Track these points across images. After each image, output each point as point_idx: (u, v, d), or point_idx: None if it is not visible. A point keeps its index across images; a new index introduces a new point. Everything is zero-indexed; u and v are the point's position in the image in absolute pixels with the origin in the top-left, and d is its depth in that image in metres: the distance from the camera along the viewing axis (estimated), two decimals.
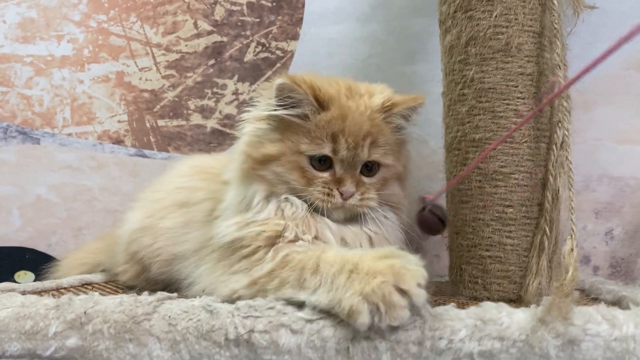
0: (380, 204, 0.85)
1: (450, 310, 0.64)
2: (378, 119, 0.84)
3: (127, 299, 0.73)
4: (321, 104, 0.82)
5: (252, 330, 0.66)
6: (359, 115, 0.82)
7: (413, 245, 0.90)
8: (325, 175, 0.82)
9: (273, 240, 0.79)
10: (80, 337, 0.70)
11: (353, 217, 0.84)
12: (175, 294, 0.76)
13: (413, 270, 0.62)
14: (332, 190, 0.81)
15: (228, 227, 0.83)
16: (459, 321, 0.62)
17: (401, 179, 0.89)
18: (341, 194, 0.81)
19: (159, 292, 0.75)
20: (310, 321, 0.65)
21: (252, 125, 0.86)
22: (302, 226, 0.81)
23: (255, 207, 0.83)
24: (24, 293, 0.92)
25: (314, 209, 0.82)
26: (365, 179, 0.84)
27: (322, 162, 0.83)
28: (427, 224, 0.85)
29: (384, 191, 0.84)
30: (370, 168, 0.85)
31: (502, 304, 0.64)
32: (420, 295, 0.60)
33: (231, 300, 0.76)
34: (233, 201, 0.86)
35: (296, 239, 0.79)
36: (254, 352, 0.65)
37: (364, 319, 0.60)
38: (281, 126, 0.83)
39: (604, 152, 1.20)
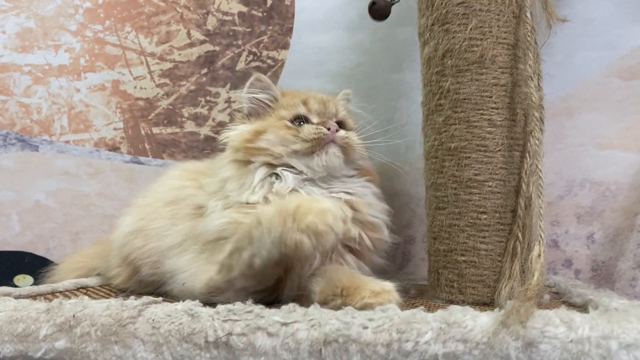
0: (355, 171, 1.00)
1: (417, 314, 0.67)
2: (330, 96, 1.07)
3: (115, 302, 0.77)
4: (282, 92, 1.05)
5: (230, 333, 0.69)
6: (317, 92, 1.06)
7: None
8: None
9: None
10: (69, 339, 0.74)
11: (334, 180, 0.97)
12: (160, 298, 0.79)
13: (335, 212, 0.74)
14: (319, 127, 0.95)
15: (220, 219, 0.90)
16: (425, 324, 0.65)
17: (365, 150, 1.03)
18: (328, 129, 0.94)
19: (144, 297, 0.79)
20: (285, 324, 0.68)
21: (233, 131, 1.02)
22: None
23: (255, 185, 0.93)
24: (19, 297, 0.96)
25: (309, 168, 0.94)
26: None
27: (301, 125, 0.98)
28: (379, 7, 1.12)
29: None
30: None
31: (468, 308, 0.68)
32: (338, 227, 0.73)
33: (209, 289, 0.83)
34: (233, 188, 0.94)
35: None
36: (232, 354, 0.69)
37: (307, 245, 0.71)
38: (258, 116, 1.03)
39: (586, 158, 1.23)
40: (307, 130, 0.95)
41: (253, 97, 1.03)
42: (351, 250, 0.93)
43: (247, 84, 1.03)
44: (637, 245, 1.15)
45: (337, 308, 0.74)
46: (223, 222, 0.89)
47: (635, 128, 1.19)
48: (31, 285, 1.44)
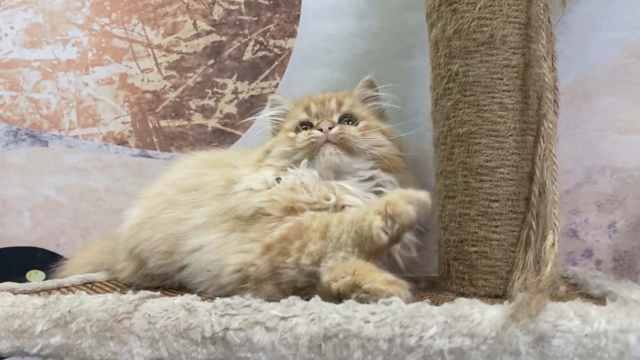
0: (372, 162, 0.95)
1: (422, 307, 0.64)
2: (341, 93, 1.06)
3: (111, 297, 0.75)
4: (296, 102, 1.07)
5: (227, 328, 0.66)
6: (322, 93, 1.06)
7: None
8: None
9: (289, 211, 0.86)
10: (64, 335, 0.72)
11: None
12: (158, 293, 0.77)
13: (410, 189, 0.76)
14: (311, 131, 0.95)
15: (259, 197, 0.90)
16: (430, 318, 0.62)
17: (387, 135, 1.00)
18: (320, 130, 0.93)
19: (141, 291, 0.77)
20: (284, 318, 0.66)
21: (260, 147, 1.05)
22: (324, 190, 0.89)
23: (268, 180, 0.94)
24: (24, 292, 0.95)
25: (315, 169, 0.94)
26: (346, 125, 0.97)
27: (305, 129, 0.98)
28: None
29: (367, 136, 0.95)
30: (348, 122, 0.99)
31: (476, 300, 0.64)
32: (422, 193, 0.74)
33: (243, 275, 0.81)
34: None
35: (316, 203, 0.87)
36: (229, 350, 0.66)
37: (378, 223, 0.72)
38: (277, 132, 1.06)
39: (606, 143, 1.17)
40: (300, 137, 0.96)
41: (270, 116, 1.08)
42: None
43: (267, 106, 1.10)
44: None
45: (345, 287, 0.72)
46: (263, 199, 0.89)
47: None
48: (43, 280, 1.44)
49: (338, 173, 0.93)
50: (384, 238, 0.73)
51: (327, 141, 0.93)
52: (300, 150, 0.95)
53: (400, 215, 0.72)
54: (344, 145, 0.93)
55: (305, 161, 0.94)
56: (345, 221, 0.78)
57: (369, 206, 0.79)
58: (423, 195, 0.74)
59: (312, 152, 0.93)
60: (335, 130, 0.93)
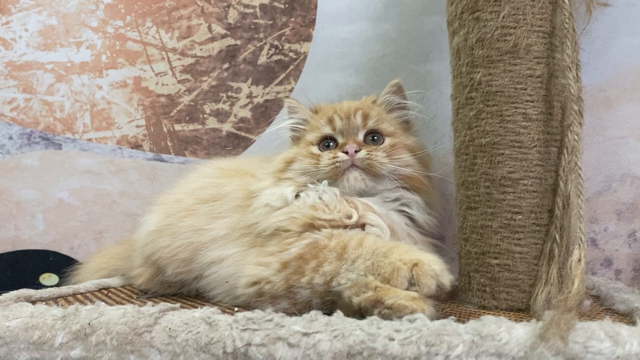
0: (398, 183, 0.93)
1: (448, 325, 0.62)
2: (366, 103, 1.02)
3: (131, 309, 0.74)
4: (316, 109, 1.04)
5: (249, 344, 0.65)
6: (347, 103, 1.02)
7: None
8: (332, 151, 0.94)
9: (308, 227, 0.86)
10: (84, 348, 0.71)
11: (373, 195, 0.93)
12: (178, 305, 0.77)
13: (440, 264, 0.73)
14: (336, 153, 0.92)
15: (278, 216, 0.89)
16: (456, 336, 0.61)
17: (414, 152, 0.97)
18: (346, 153, 0.91)
19: (161, 303, 0.76)
20: (307, 334, 0.65)
21: (278, 156, 1.02)
22: (346, 207, 0.88)
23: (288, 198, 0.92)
24: (40, 300, 0.95)
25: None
26: (372, 146, 0.94)
27: (328, 146, 0.97)
28: None
29: (393, 156, 0.92)
30: (374, 138, 0.96)
31: (502, 319, 0.63)
32: (444, 279, 0.71)
33: (258, 290, 0.81)
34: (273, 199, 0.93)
35: (337, 221, 0.86)
36: None
37: (404, 273, 0.71)
38: (298, 141, 1.03)
39: (627, 151, 1.16)
40: (324, 160, 0.93)
41: (289, 124, 1.05)
42: None
43: (283, 112, 1.08)
44: None
45: (367, 302, 0.71)
46: (283, 218, 0.88)
47: None
48: (56, 283, 1.44)
49: (362, 195, 0.92)
50: (405, 286, 0.71)
51: (353, 165, 0.91)
52: (323, 173, 0.92)
53: (422, 287, 0.71)
54: (370, 171, 0.91)
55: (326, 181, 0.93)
56: (365, 247, 0.77)
57: (395, 246, 0.77)
58: (447, 280, 0.72)
59: (336, 175, 0.91)
60: (362, 154, 0.91)
